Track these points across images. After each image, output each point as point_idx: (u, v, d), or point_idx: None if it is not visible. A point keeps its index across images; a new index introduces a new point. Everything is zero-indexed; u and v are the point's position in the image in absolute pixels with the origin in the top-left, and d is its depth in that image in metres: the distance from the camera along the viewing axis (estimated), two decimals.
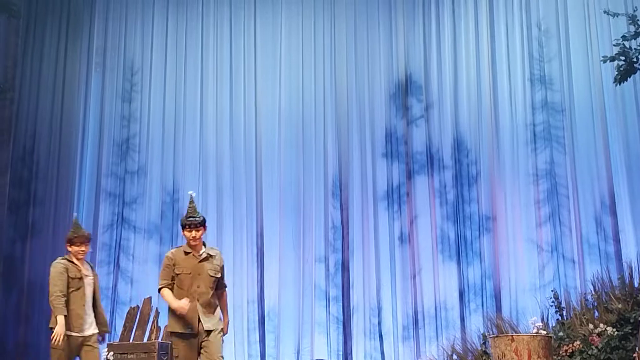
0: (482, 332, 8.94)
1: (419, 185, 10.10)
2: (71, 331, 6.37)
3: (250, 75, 10.60)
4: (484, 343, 8.61)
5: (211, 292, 6.18)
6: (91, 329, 6.51)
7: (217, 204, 10.27)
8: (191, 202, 6.29)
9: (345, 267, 9.97)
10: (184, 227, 6.23)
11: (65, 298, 6.35)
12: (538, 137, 9.95)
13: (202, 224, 6.24)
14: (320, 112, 10.43)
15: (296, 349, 9.67)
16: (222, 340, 6.30)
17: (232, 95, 10.57)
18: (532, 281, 9.50)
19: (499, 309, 9.45)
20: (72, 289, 6.41)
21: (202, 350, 6.07)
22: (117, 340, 8.55)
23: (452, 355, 9.03)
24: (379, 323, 9.69)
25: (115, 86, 10.66)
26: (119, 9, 10.89)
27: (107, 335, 6.95)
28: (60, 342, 6.24)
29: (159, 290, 6.22)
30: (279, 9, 10.75)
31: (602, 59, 8.57)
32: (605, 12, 8.85)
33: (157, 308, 8.74)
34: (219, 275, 6.26)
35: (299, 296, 9.80)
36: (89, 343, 6.45)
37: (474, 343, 8.95)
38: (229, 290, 7.04)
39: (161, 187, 10.37)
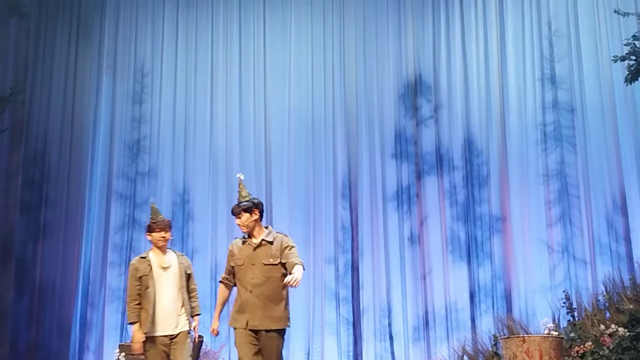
0: (493, 333, 8.94)
1: (429, 186, 10.09)
2: (152, 332, 6.03)
3: (259, 76, 10.60)
4: (495, 344, 8.60)
5: (268, 282, 5.57)
6: (176, 327, 6.07)
7: (227, 205, 10.24)
8: (239, 185, 5.87)
9: (355, 268, 9.96)
10: None
11: (138, 301, 6.04)
12: (548, 137, 9.92)
13: (244, 209, 5.68)
14: (329, 112, 10.43)
15: (306, 350, 9.66)
16: (282, 345, 5.75)
17: (242, 96, 10.57)
18: (543, 282, 9.46)
19: (509, 309, 9.42)
20: (144, 288, 6.05)
21: (260, 350, 5.60)
22: (129, 341, 8.55)
23: (462, 356, 9.03)
24: (389, 324, 9.68)
25: (126, 88, 10.67)
26: (129, 11, 10.90)
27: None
28: (139, 350, 6.03)
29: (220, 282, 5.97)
30: (288, 10, 10.76)
31: (612, 58, 8.53)
32: (615, 11, 8.82)
33: None
34: (276, 262, 5.59)
35: (308, 297, 9.78)
36: (174, 341, 6.03)
37: (484, 344, 8.94)
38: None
39: (172, 189, 10.37)
